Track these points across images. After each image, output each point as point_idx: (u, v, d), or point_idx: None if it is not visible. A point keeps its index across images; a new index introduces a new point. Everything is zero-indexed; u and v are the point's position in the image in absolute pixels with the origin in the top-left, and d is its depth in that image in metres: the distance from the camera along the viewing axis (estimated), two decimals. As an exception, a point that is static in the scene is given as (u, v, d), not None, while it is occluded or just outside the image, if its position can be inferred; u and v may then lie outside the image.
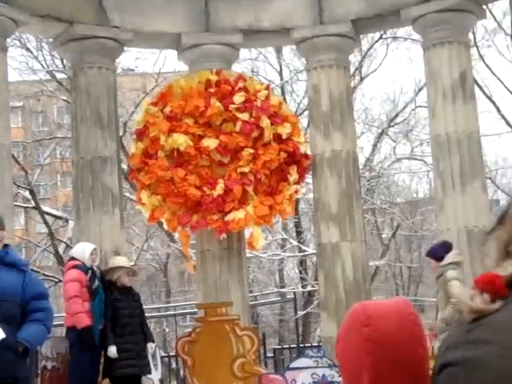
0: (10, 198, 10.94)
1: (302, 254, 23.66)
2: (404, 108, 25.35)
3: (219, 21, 12.51)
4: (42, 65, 23.30)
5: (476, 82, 17.47)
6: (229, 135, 11.62)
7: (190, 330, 10.22)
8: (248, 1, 12.46)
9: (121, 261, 9.61)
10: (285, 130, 11.86)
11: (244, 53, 20.58)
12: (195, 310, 12.99)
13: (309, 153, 12.20)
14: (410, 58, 27.11)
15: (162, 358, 10.68)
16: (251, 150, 11.62)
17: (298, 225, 24.58)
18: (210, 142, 11.52)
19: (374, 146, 25.31)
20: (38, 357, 8.78)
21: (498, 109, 22.76)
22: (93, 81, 11.73)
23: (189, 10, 12.39)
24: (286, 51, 23.65)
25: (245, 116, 11.64)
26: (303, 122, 19.80)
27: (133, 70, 30.61)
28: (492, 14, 20.79)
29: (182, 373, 12.29)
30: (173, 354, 14.01)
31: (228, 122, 11.70)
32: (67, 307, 8.90)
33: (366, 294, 11.91)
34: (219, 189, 11.40)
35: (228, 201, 11.46)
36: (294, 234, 24.93)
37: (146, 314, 9.98)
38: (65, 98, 22.56)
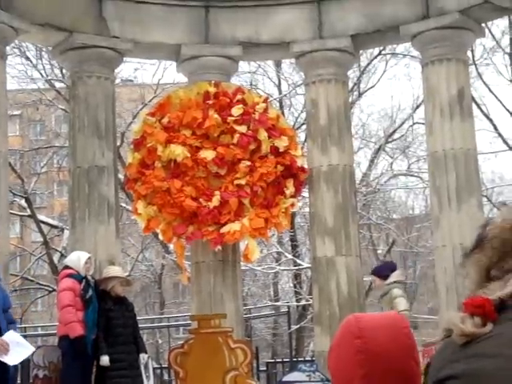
0: (5, 206, 10.92)
1: (296, 267, 23.64)
2: (402, 124, 25.40)
3: (219, 33, 12.53)
4: (41, 74, 23.35)
5: (474, 99, 17.51)
6: (226, 147, 11.63)
7: (183, 341, 10.20)
8: (248, 13, 12.50)
9: (115, 271, 9.60)
10: (282, 143, 11.87)
11: (243, 66, 20.64)
12: (189, 321, 12.95)
13: (306, 166, 12.21)
14: (408, 74, 27.23)
15: (154, 369, 10.63)
16: (248, 163, 11.63)
17: (293, 238, 24.56)
18: (207, 154, 11.52)
19: (371, 161, 25.34)
20: (29, 365, 8.76)
21: (495, 127, 22.81)
22: (91, 90, 11.73)
23: (189, 22, 12.41)
24: (285, 65, 23.73)
25: (242, 128, 11.65)
26: (301, 135, 19.82)
27: (132, 80, 30.63)
28: (491, 33, 20.87)
29: (174, 384, 12.24)
30: (165, 365, 13.97)
31: (226, 134, 11.71)
32: (60, 316, 8.87)
33: (361, 308, 11.88)
34: (215, 200, 11.40)
35: (224, 213, 11.45)
36: (290, 248, 24.92)
37: (139, 325, 9.96)
38: (63, 107, 22.60)
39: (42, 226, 23.82)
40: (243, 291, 20.51)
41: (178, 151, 11.44)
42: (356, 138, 22.66)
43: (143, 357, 9.34)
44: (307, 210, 15.32)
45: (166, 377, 14.26)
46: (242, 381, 9.52)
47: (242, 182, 11.52)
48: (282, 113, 20.16)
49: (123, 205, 20.61)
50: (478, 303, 1.46)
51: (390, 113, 26.64)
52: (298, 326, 23.13)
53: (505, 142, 22.84)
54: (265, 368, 15.55)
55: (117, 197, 12.04)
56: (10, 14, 10.80)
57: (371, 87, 24.90)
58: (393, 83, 63.96)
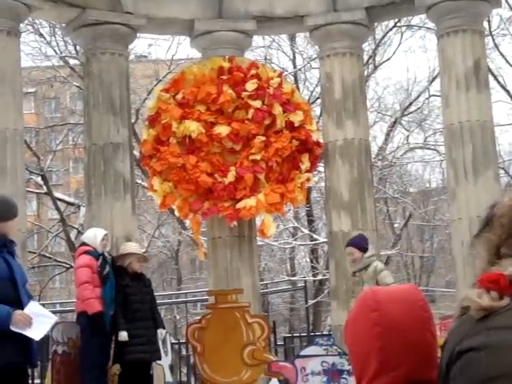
0: (22, 183, 10.97)
1: (313, 242, 23.66)
2: (417, 97, 25.23)
3: (232, 7, 12.47)
4: (54, 50, 23.34)
5: (490, 71, 17.37)
6: (241, 122, 11.60)
7: (201, 316, 10.24)
8: (261, -13, 12.42)
9: (132, 247, 9.63)
10: (297, 117, 11.83)
11: (257, 40, 20.56)
12: (206, 297, 13.01)
13: (321, 141, 12.17)
14: (424, 46, 27.00)
15: (172, 344, 10.69)
16: (263, 138, 11.60)
17: (309, 213, 24.57)
18: (222, 129, 11.50)
19: (387, 135, 25.24)
20: (48, 341, 8.83)
21: (512, 98, 22.63)
22: (105, 67, 11.72)
23: (202, -3, 12.34)
24: (300, 39, 23.60)
25: (257, 103, 11.61)
26: (316, 110, 19.76)
27: (146, 56, 30.63)
28: (508, 3, 20.64)
29: (191, 359, 12.33)
30: (183, 341, 14.06)
31: (240, 110, 11.68)
32: (78, 293, 8.92)
33: (377, 282, 11.89)
34: (231, 176, 11.39)
35: (239, 188, 11.45)
36: (306, 223, 24.92)
37: (156, 301, 10.00)
38: (77, 84, 22.60)
39: (59, 203, 23.93)
40: (260, 266, 20.57)
41: (193, 127, 11.42)
42: (371, 112, 22.54)
43: (161, 332, 9.40)
44: (323, 184, 15.29)
45: (183, 352, 14.35)
46: (259, 355, 9.57)
47: (257, 157, 11.50)
48: (297, 87, 20.07)
49: (139, 181, 20.67)
50: (492, 278, 1.48)
51: (405, 85, 26.52)
52: (315, 300, 23.18)
53: (522, 113, 22.68)
54: (282, 342, 15.63)
55: (132, 173, 12.06)
56: (22, -8, 10.78)
57: (386, 60, 24.75)
58: (408, 56, 63.60)
